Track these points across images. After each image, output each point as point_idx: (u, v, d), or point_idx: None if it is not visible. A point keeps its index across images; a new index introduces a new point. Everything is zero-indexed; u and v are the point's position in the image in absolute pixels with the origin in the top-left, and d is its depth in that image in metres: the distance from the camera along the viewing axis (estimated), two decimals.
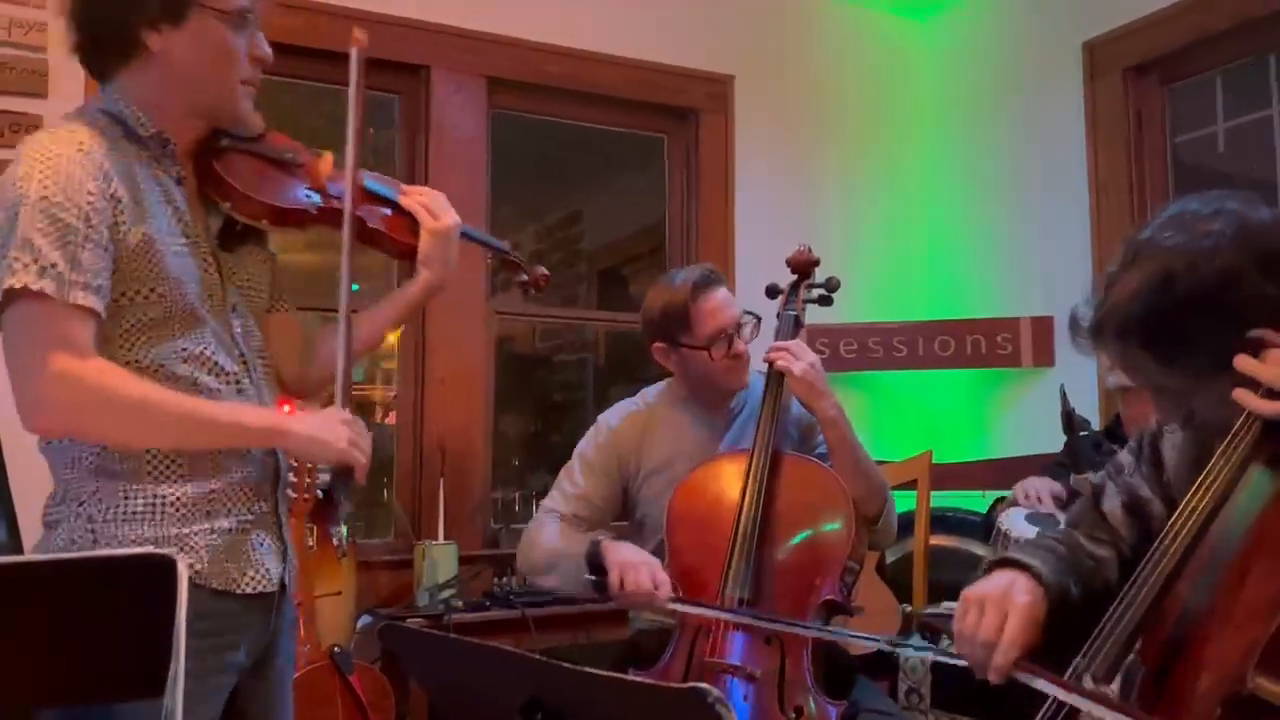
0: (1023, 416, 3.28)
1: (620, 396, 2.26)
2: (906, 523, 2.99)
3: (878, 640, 1.75)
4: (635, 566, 1.82)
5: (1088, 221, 3.16)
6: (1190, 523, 1.04)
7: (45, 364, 1.22)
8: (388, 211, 1.54)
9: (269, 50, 1.42)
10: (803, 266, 2.10)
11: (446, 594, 2.67)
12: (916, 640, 2.02)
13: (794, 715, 1.70)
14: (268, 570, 1.40)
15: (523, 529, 2.13)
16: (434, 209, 1.56)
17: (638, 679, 0.77)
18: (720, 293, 2.04)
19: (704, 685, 0.71)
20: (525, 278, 1.75)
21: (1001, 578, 1.19)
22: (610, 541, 1.92)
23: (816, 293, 2.08)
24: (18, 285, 1.21)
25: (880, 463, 3.10)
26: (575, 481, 2.09)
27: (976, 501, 3.16)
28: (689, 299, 2.01)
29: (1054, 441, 2.85)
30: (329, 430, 1.35)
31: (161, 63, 1.34)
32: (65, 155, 1.26)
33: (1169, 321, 1.06)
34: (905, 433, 3.44)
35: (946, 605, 2.54)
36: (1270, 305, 1.01)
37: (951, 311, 3.43)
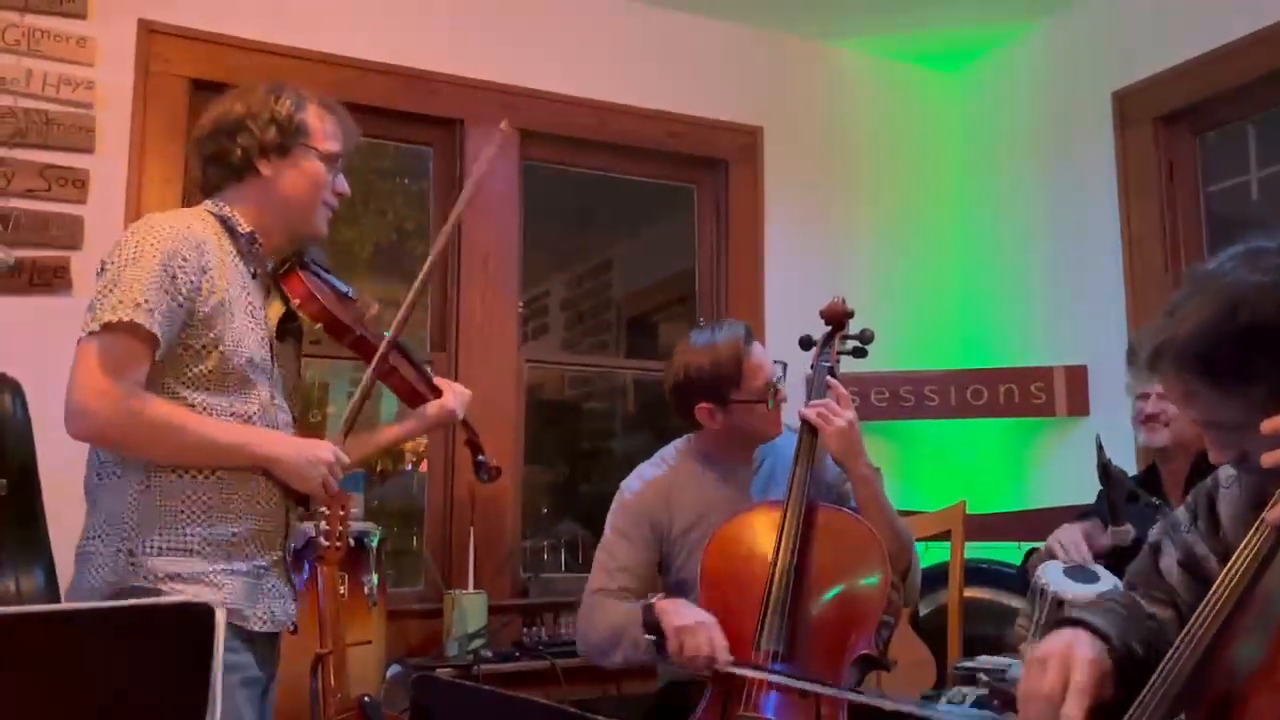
0: (1057, 467, 3.24)
1: (648, 444, 2.28)
2: (941, 574, 2.95)
3: (909, 703, 1.72)
4: (693, 630, 1.81)
5: (1121, 271, 3.14)
6: (1237, 580, 1.03)
7: (99, 378, 1.47)
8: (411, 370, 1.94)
9: (348, 187, 1.79)
10: (837, 318, 2.10)
11: (476, 644, 2.66)
12: (946, 706, 1.98)
13: None
14: (274, 612, 1.64)
15: (552, 578, 2.13)
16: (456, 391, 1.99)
17: None
18: (760, 346, 2.08)
19: None
20: (482, 459, 2.08)
21: (1064, 635, 1.17)
22: (664, 602, 1.91)
23: (851, 344, 2.09)
24: (114, 319, 1.48)
25: (913, 513, 3.10)
26: (614, 555, 2.10)
27: (1011, 553, 3.11)
28: (741, 355, 2.02)
29: (1088, 492, 2.81)
30: (311, 468, 1.64)
31: (267, 184, 1.69)
32: (173, 229, 1.57)
33: (1229, 353, 1.07)
34: (938, 483, 3.41)
35: (982, 659, 2.50)
36: None
37: (984, 360, 3.41)
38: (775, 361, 2.08)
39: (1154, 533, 1.36)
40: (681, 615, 1.84)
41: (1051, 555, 2.53)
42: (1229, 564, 1.06)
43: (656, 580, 2.09)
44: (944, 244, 3.64)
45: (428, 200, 3.25)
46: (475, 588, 2.78)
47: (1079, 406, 3.18)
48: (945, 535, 2.89)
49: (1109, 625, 1.18)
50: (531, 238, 3.36)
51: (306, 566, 2.43)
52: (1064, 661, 1.12)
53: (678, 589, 2.11)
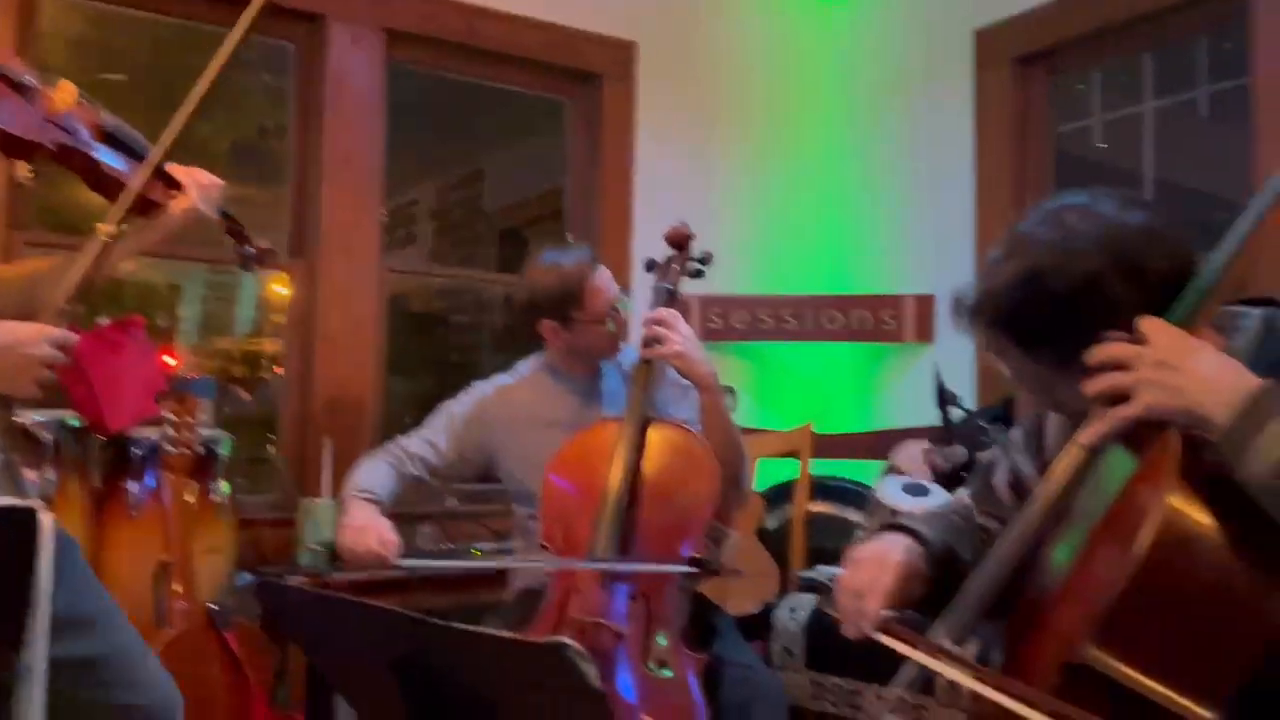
0: (903, 390, 3.40)
1: (519, 359, 2.33)
2: (787, 490, 3.09)
3: (678, 568, 1.83)
4: (362, 530, 1.97)
5: (972, 206, 3.28)
6: (1049, 495, 1.10)
7: None
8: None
9: None
10: (678, 241, 2.15)
11: (330, 553, 2.64)
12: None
13: (656, 667, 1.77)
14: None
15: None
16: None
17: (499, 633, 0.79)
18: (604, 270, 2.18)
19: (564, 639, 0.73)
20: (251, 250, 1.78)
21: (884, 538, 1.26)
22: (355, 501, 2.06)
23: (691, 266, 2.15)
24: None
25: (765, 432, 3.22)
26: (434, 430, 2.23)
27: (857, 470, 3.27)
28: (585, 277, 2.12)
29: (932, 414, 2.98)
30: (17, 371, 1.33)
31: None
32: None
33: (1035, 316, 1.11)
34: (791, 403, 3.54)
35: (822, 569, 2.64)
36: (1128, 307, 1.05)
37: (840, 287, 3.53)
38: (619, 287, 2.18)
39: (991, 452, 1.45)
40: (356, 517, 2.02)
41: (894, 472, 2.69)
42: (1043, 480, 1.13)
43: (450, 474, 2.26)
44: (810, 173, 3.71)
45: (287, 98, 3.11)
46: (331, 497, 2.75)
47: (926, 334, 3.33)
48: (794, 453, 3.02)
49: (931, 531, 1.27)
50: (400, 143, 3.27)
51: (150, 473, 2.37)
52: (877, 561, 1.20)
53: (516, 498, 2.23)
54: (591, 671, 0.74)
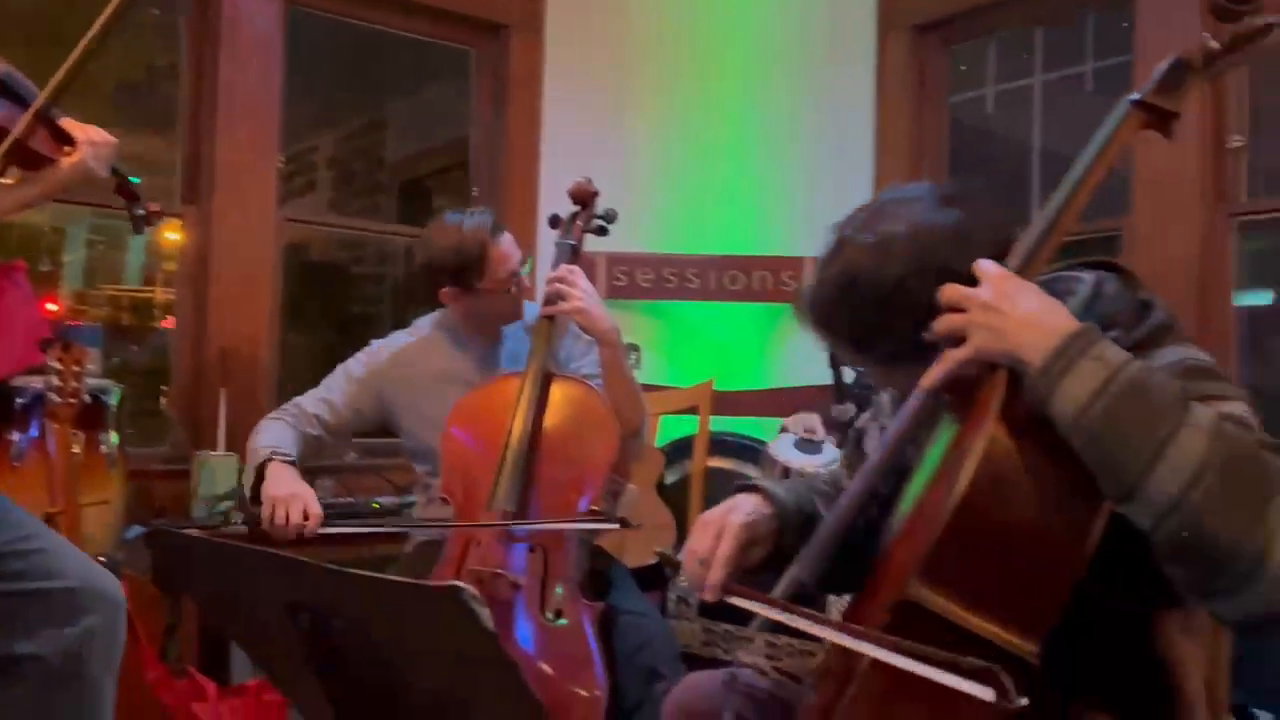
0: (801, 350, 3.49)
1: (421, 313, 2.30)
2: (687, 446, 3.15)
3: (608, 525, 1.87)
4: (285, 500, 1.91)
5: (871, 170, 3.36)
6: (890, 444, 1.15)
7: None
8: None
9: None
10: (583, 197, 2.16)
11: (225, 506, 2.61)
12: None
13: (553, 617, 1.81)
14: None
15: None
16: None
17: (398, 579, 0.81)
18: (507, 235, 2.12)
19: (460, 583, 0.75)
20: (141, 211, 1.83)
21: (732, 500, 1.29)
22: (275, 466, 1.99)
23: (595, 223, 2.15)
24: None
25: (667, 389, 3.27)
26: (331, 388, 2.18)
27: (755, 427, 3.36)
28: (486, 244, 2.06)
29: (827, 375, 3.06)
30: None
31: None
32: None
33: (855, 320, 1.14)
34: (692, 361, 3.59)
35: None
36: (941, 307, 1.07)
37: (742, 248, 3.58)
38: (522, 251, 2.14)
39: (864, 417, 1.51)
40: (280, 485, 1.95)
41: (787, 431, 2.77)
42: (889, 433, 1.18)
43: (348, 431, 2.21)
44: (716, 133, 3.74)
45: (179, 36, 3.00)
46: (227, 450, 2.71)
47: None
48: (694, 410, 3.08)
49: (784, 491, 1.31)
50: (298, 88, 3.18)
51: (34, 423, 2.30)
52: (717, 528, 1.23)
53: (414, 457, 2.20)
54: (485, 614, 0.76)
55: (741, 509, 1.26)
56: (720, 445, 3.18)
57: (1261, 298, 3.48)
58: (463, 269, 2.06)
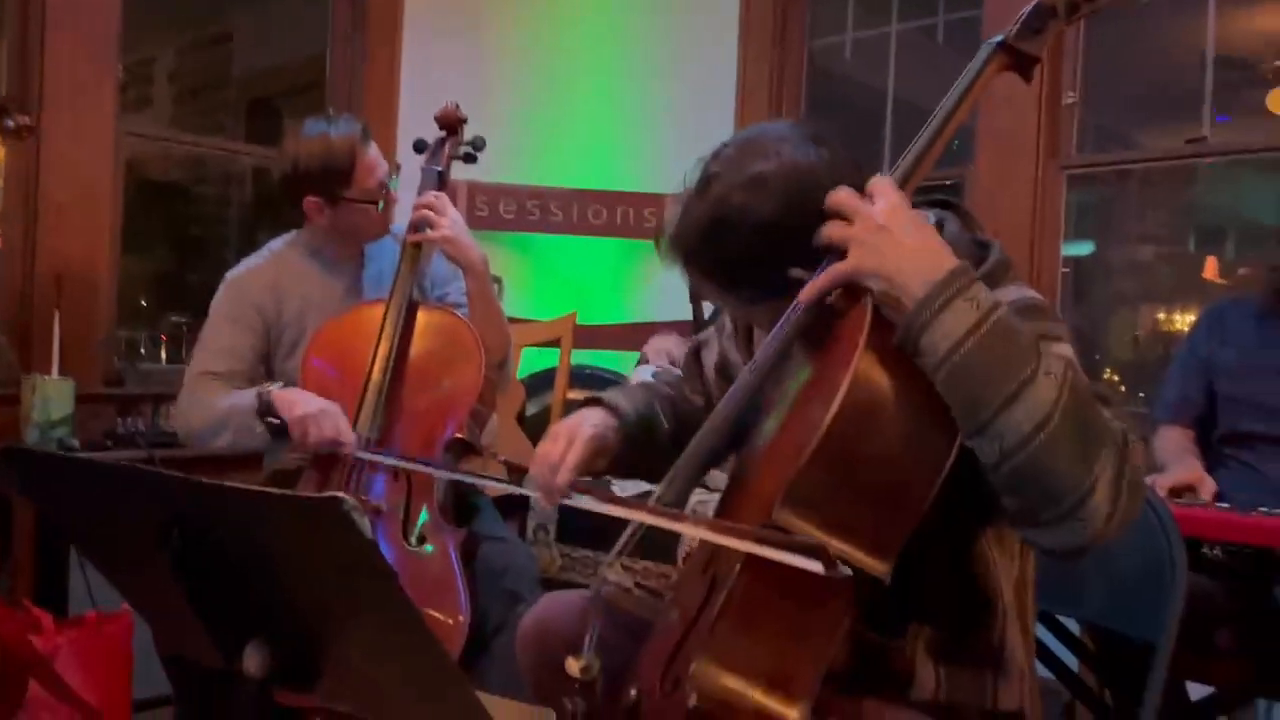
0: (662, 285, 3.55)
1: (269, 237, 2.19)
2: (548, 378, 3.18)
3: (506, 485, 1.89)
4: (316, 418, 1.82)
5: (732, 110, 3.42)
6: (755, 376, 1.18)
7: None
8: None
9: None
10: (450, 123, 2.12)
11: (60, 432, 2.48)
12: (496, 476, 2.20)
13: (416, 543, 1.82)
14: None
15: (151, 369, 2.05)
16: None
17: (275, 491, 0.80)
18: (375, 146, 2.04)
19: (340, 494, 0.76)
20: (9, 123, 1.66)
21: (580, 413, 1.34)
22: (281, 391, 1.89)
23: (462, 150, 2.12)
24: None
25: (529, 321, 3.28)
26: (219, 337, 2.02)
27: (615, 360, 3.41)
28: (355, 152, 1.98)
29: (686, 309, 3.14)
30: None
31: None
32: None
33: (723, 259, 1.16)
34: (553, 294, 3.61)
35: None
36: (808, 245, 1.09)
37: (605, 183, 3.60)
38: (391, 162, 2.07)
39: (707, 331, 1.54)
40: (305, 403, 1.85)
41: (645, 362, 2.83)
42: (755, 357, 1.20)
43: (260, 368, 2.06)
44: (582, 66, 3.72)
45: None
46: (61, 374, 2.57)
47: None
48: (556, 342, 3.11)
49: (628, 404, 1.36)
50: None
51: None
52: (567, 437, 1.29)
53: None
54: (365, 524, 0.78)
55: (589, 420, 1.31)
56: (581, 378, 3.23)
57: (1083, 248, 3.74)
58: (329, 177, 1.97)
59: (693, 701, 1.00)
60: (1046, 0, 1.12)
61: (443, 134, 2.12)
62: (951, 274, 0.99)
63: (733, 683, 1.01)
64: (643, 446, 1.35)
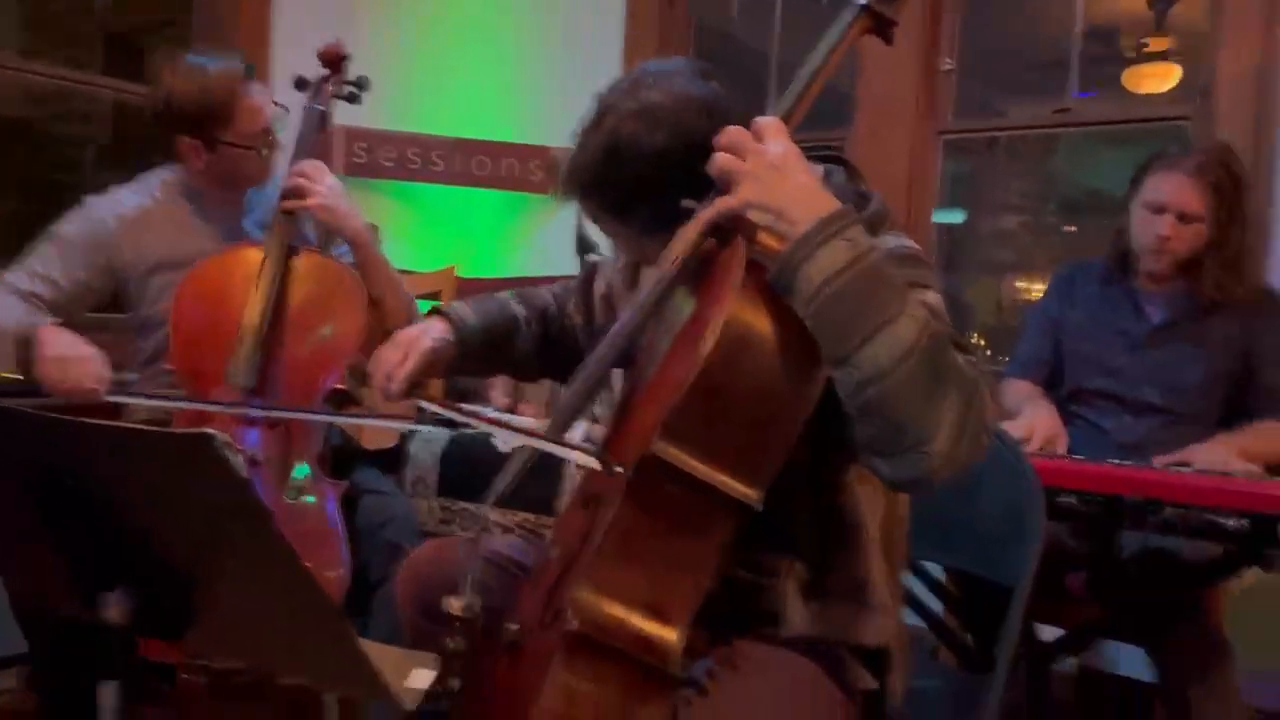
0: (544, 240, 3.52)
1: (128, 180, 2.06)
2: None
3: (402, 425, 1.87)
4: (76, 361, 1.73)
5: (619, 67, 3.39)
6: (639, 313, 1.21)
7: None
8: None
9: None
10: (333, 60, 2.04)
11: None
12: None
13: (294, 495, 1.77)
14: None
15: None
16: None
17: (144, 428, 0.76)
18: (260, 86, 1.93)
19: (211, 430, 0.73)
20: None
21: (425, 323, 1.42)
22: (50, 329, 1.77)
23: (346, 89, 2.04)
24: None
25: (408, 273, 3.20)
26: (46, 262, 1.89)
27: None
28: (234, 93, 1.86)
29: (570, 265, 3.12)
30: None
31: None
32: None
33: (617, 187, 1.19)
34: (434, 245, 3.54)
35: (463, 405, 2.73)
36: (699, 178, 1.12)
37: (491, 133, 3.53)
38: (276, 104, 1.96)
39: (601, 259, 1.58)
40: (64, 345, 1.75)
41: None
42: (640, 295, 1.23)
43: (78, 306, 1.93)
44: (468, 13, 3.63)
45: None
46: None
47: None
48: (436, 295, 3.05)
49: (473, 317, 1.45)
50: None
51: None
52: (406, 345, 1.37)
53: (143, 329, 2.00)
54: (238, 461, 0.75)
55: (430, 333, 1.39)
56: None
57: (955, 216, 3.88)
58: (207, 118, 1.86)
59: (573, 626, 1.03)
60: None
61: (325, 72, 2.03)
62: (834, 214, 1.04)
63: (612, 608, 1.05)
64: (488, 357, 1.46)
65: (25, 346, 1.74)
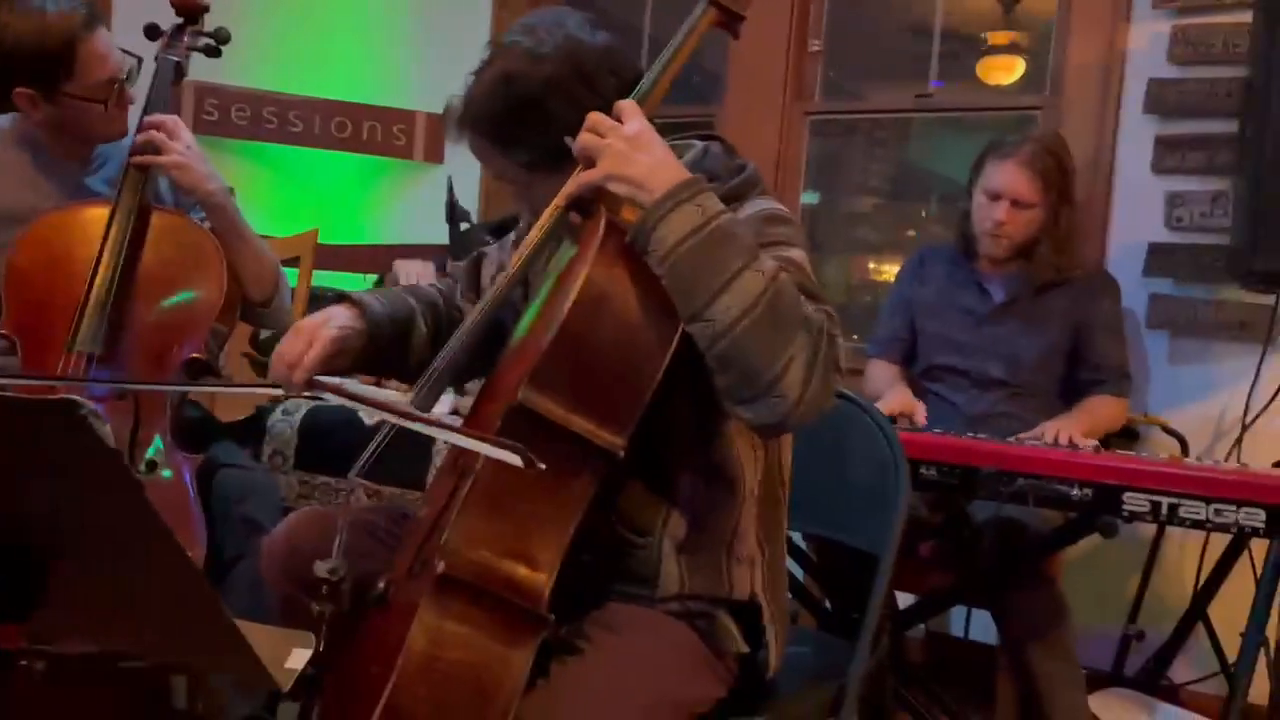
0: (410, 207, 3.43)
1: None
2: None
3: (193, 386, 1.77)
4: None
5: (488, 32, 3.32)
6: (512, 269, 1.23)
7: None
8: None
9: None
10: (190, 9, 1.90)
11: None
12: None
13: (146, 470, 1.66)
14: None
15: None
16: None
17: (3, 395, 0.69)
18: (105, 33, 1.77)
19: (77, 398, 0.68)
20: None
21: (328, 310, 1.34)
22: None
23: (203, 41, 1.92)
24: None
25: (265, 238, 3.06)
26: None
27: (357, 283, 3.26)
28: (76, 39, 1.71)
29: (436, 233, 3.05)
30: None
31: None
32: None
33: (505, 117, 1.22)
34: (292, 209, 3.39)
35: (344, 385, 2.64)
36: (586, 111, 1.17)
37: (352, 94, 3.40)
38: (127, 53, 1.82)
39: (489, 246, 1.56)
40: None
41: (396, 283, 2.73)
42: (511, 261, 1.25)
43: None
44: None
45: None
46: None
47: (435, 154, 3.37)
48: (295, 261, 2.92)
49: (379, 303, 1.37)
50: None
51: None
52: (309, 334, 1.28)
53: None
54: (106, 431, 0.70)
55: (335, 319, 1.31)
56: (321, 300, 3.06)
57: (811, 198, 3.97)
58: (44, 66, 1.70)
59: (440, 569, 1.05)
60: None
61: (180, 20, 1.90)
62: (685, 183, 1.11)
63: (479, 553, 1.08)
64: (392, 349, 1.37)
65: None
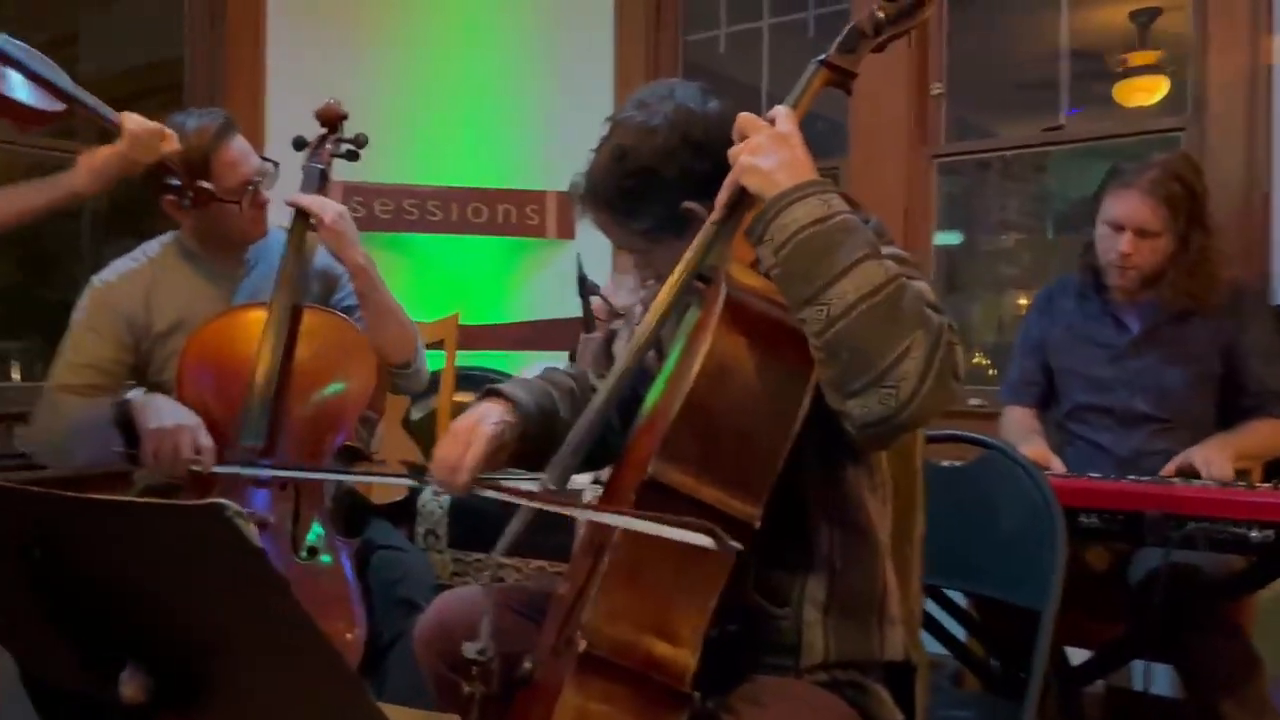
0: (545, 284, 3.52)
1: (124, 250, 2.07)
2: (433, 381, 3.12)
3: (354, 475, 1.84)
4: (172, 433, 1.71)
5: (610, 107, 3.41)
6: (636, 349, 1.23)
7: None
8: None
9: None
10: (331, 119, 2.05)
11: None
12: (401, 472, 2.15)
13: (307, 556, 1.74)
14: None
15: (2, 387, 1.90)
16: None
17: (150, 501, 0.75)
18: (240, 140, 1.94)
19: (222, 500, 0.72)
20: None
21: (479, 408, 1.34)
22: (142, 399, 1.77)
23: (344, 147, 2.05)
24: None
25: None
26: (79, 350, 1.90)
27: (500, 361, 3.36)
28: (211, 148, 1.88)
29: (572, 308, 3.11)
30: None
31: None
32: None
33: (622, 188, 1.26)
34: (435, 295, 3.54)
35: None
36: (700, 178, 1.22)
37: (486, 180, 3.54)
38: (266, 160, 1.98)
39: (617, 322, 1.58)
40: (160, 415, 1.74)
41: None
42: (638, 333, 1.25)
43: (125, 380, 1.94)
44: (456, 60, 3.66)
45: None
46: None
47: (567, 230, 3.46)
48: (439, 344, 3.04)
49: (525, 394, 1.36)
50: None
51: None
52: (466, 435, 1.29)
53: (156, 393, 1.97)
54: (252, 531, 0.74)
55: (489, 417, 1.31)
56: (466, 380, 3.17)
57: (952, 238, 3.88)
58: (185, 172, 1.87)
59: (582, 648, 1.04)
60: (858, 24, 1.24)
61: (323, 131, 2.05)
62: (816, 180, 1.12)
63: (621, 630, 1.07)
64: (541, 439, 1.36)
65: (125, 424, 1.74)
